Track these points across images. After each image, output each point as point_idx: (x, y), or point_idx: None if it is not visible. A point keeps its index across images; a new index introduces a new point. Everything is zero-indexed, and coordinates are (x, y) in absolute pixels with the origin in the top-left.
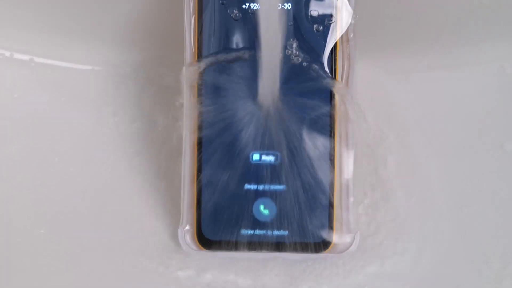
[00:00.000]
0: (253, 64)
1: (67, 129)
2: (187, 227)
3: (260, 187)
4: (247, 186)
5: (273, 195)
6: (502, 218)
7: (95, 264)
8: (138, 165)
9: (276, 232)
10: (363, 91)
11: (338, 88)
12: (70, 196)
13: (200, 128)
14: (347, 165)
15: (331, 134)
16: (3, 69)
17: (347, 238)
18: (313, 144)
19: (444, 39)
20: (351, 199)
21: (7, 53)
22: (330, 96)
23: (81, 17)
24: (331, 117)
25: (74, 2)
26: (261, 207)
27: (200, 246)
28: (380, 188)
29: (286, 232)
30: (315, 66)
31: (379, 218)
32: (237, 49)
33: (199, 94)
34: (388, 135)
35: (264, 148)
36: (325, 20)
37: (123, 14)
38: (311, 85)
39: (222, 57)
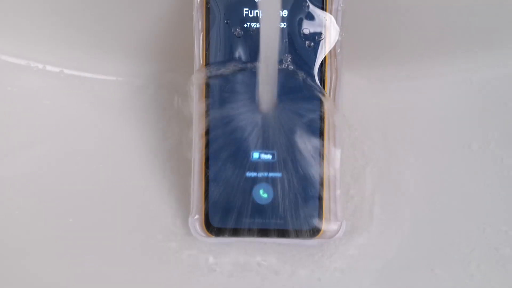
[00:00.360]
0: (254, 75)
1: (92, 131)
2: (196, 216)
3: (259, 179)
4: (247, 176)
5: (270, 184)
6: (468, 208)
7: (116, 247)
8: (154, 162)
9: (273, 221)
10: (349, 98)
11: (327, 96)
12: (93, 189)
13: (207, 130)
14: (334, 162)
15: (320, 136)
16: (37, 79)
17: (334, 226)
18: (305, 144)
19: (420, 54)
20: (338, 191)
21: (41, 66)
22: (320, 103)
23: (105, 34)
24: (321, 121)
25: (99, 22)
26: (260, 199)
27: (208, 233)
28: (361, 181)
29: (281, 221)
30: (307, 77)
31: (361, 206)
32: (239, 62)
33: (207, 102)
34: (369, 135)
35: (263, 148)
36: (316, 37)
37: (142, 32)
38: (303, 94)
39: (226, 68)
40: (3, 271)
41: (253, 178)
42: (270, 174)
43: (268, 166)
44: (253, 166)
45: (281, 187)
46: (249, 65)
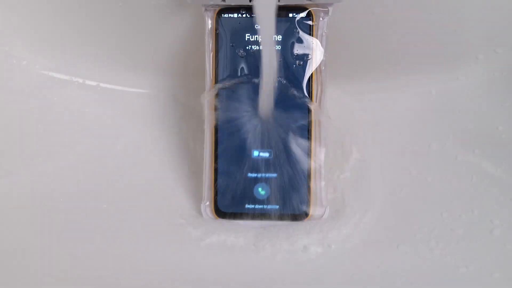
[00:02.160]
0: (255, 88)
1: (122, 134)
2: (207, 203)
3: (259, 175)
4: (249, 174)
5: (267, 180)
6: (429, 197)
7: (142, 228)
8: (173, 160)
9: (270, 206)
10: (332, 107)
11: (314, 105)
12: (122, 182)
13: (216, 132)
14: (320, 159)
15: (309, 137)
16: (78, 91)
17: (320, 211)
18: (297, 144)
19: (389, 70)
20: (323, 183)
21: (81, 80)
22: (308, 110)
23: (134, 54)
24: (309, 125)
25: (130, 45)
26: (259, 189)
27: (217, 216)
28: (339, 174)
29: (277, 206)
30: (298, 90)
31: (338, 196)
32: (243, 77)
33: (216, 109)
34: (347, 138)
35: (262, 147)
36: (304, 57)
37: (164, 53)
38: (295, 103)
39: (231, 82)
40: (53, 243)
41: (254, 176)
42: (268, 175)
43: (266, 163)
44: (254, 163)
45: (276, 183)
46: (251, 80)
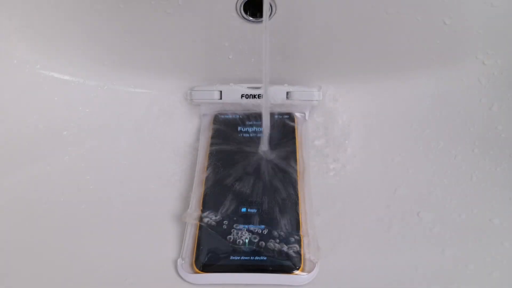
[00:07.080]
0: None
1: (123, 134)
2: (187, 258)
3: (245, 228)
4: (235, 227)
5: (254, 234)
6: (428, 196)
7: (142, 228)
8: (174, 160)
9: (257, 258)
10: (332, 106)
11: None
12: (123, 182)
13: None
14: (311, 216)
15: (295, 190)
16: (80, 91)
17: (310, 265)
18: (284, 196)
19: (388, 70)
20: (311, 232)
21: (82, 80)
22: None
23: (135, 54)
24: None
25: (131, 44)
26: (246, 241)
27: (197, 270)
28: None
29: (265, 258)
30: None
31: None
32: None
33: (208, 168)
34: (353, 133)
35: (249, 205)
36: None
37: (165, 53)
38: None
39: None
40: (52, 243)
41: (240, 229)
42: (254, 228)
43: (253, 219)
44: (241, 219)
45: (262, 237)
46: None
